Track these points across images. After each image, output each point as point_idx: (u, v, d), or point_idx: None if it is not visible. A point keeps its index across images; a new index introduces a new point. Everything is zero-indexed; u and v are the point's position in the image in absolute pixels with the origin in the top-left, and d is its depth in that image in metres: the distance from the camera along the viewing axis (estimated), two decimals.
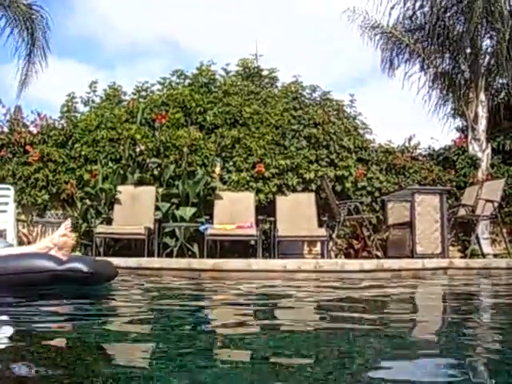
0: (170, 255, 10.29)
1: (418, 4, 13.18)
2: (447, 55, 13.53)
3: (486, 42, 13.28)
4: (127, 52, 25.02)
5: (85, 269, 4.74)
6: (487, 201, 10.60)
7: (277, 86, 12.98)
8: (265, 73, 13.07)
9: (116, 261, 6.51)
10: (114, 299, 4.99)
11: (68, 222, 5.26)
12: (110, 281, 5.31)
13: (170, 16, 22.86)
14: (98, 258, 5.39)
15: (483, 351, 2.54)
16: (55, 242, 5.03)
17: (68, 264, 4.72)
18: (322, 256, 10.40)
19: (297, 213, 10.78)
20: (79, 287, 4.85)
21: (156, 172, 11.22)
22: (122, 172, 11.16)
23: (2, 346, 2.60)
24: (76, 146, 11.56)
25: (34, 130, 12.11)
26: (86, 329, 3.17)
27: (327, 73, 21.96)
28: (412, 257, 9.81)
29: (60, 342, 2.73)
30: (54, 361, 2.25)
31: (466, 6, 12.39)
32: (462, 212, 11.28)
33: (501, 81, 13.66)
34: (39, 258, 4.81)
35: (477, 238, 11.42)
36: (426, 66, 13.53)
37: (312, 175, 11.37)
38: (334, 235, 10.99)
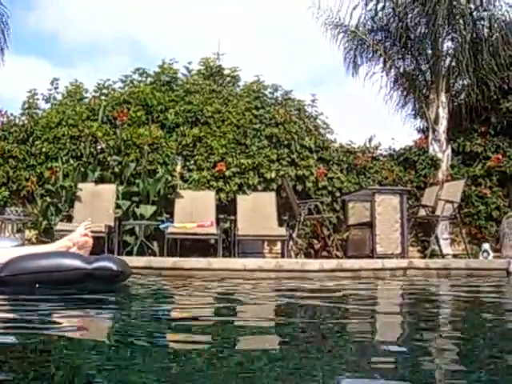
0: (129, 253, 10.24)
1: (380, 5, 13.28)
2: (409, 56, 13.64)
3: (447, 44, 13.44)
4: (87, 49, 24.86)
5: (115, 267, 4.79)
6: (447, 201, 10.69)
7: (238, 85, 13.00)
8: (226, 72, 13.08)
9: None
10: None
11: (88, 222, 5.29)
12: (127, 279, 5.33)
13: (130, 13, 22.73)
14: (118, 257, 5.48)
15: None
16: (75, 241, 5.09)
17: (98, 263, 4.74)
18: (283, 255, 10.42)
19: (257, 212, 10.79)
20: (105, 286, 4.88)
21: (117, 170, 11.17)
22: (82, 169, 11.09)
23: None
24: (37, 142, 11.46)
25: None
26: None
27: (288, 72, 22.00)
28: (372, 257, 9.87)
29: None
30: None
31: (430, 8, 12.48)
32: (422, 212, 11.38)
33: (461, 82, 13.80)
34: (68, 256, 4.85)
35: (436, 238, 11.52)
36: (387, 67, 13.61)
37: (273, 174, 11.40)
38: (294, 235, 11.01)
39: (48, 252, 5.02)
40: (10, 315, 3.69)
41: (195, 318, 3.63)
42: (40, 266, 4.69)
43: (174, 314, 3.99)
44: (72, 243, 5.10)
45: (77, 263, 4.70)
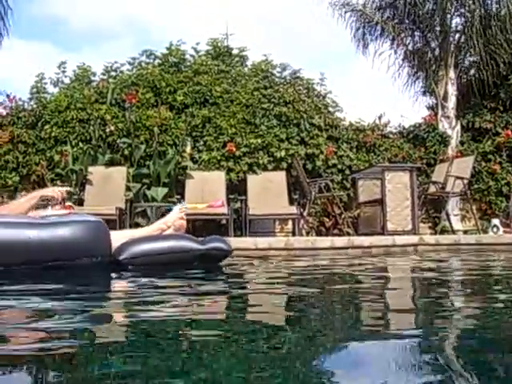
0: None
1: None
2: (417, 33, 13.59)
3: (456, 20, 13.38)
4: (92, 33, 24.82)
5: (226, 247, 5.13)
6: (457, 178, 10.70)
7: (247, 65, 12.97)
8: (234, 52, 13.04)
9: None
10: None
11: (183, 205, 5.47)
12: None
13: None
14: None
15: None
16: (169, 224, 5.31)
17: (211, 243, 5.05)
18: (294, 234, 10.44)
19: (268, 191, 10.79)
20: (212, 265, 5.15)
21: (126, 152, 11.17)
22: (92, 153, 11.10)
23: None
24: (46, 127, 11.45)
25: (3, 112, 12.01)
26: None
27: (296, 52, 21.94)
28: (383, 234, 9.90)
29: None
30: None
31: None
32: (432, 189, 11.39)
33: (470, 58, 13.77)
34: (183, 238, 5.15)
35: (447, 214, 11.53)
36: (396, 44, 13.56)
37: (283, 154, 11.36)
38: (305, 213, 11.02)
39: (164, 235, 5.25)
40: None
41: None
42: (158, 248, 4.94)
43: None
44: (166, 226, 5.31)
45: (192, 245, 4.98)
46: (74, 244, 4.56)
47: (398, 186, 10.17)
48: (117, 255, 4.75)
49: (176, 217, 5.36)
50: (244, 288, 4.06)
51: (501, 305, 2.90)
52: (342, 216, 11.11)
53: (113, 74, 12.59)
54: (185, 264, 4.90)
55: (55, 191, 5.24)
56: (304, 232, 10.97)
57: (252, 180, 11.05)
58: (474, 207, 11.74)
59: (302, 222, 10.84)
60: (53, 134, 11.33)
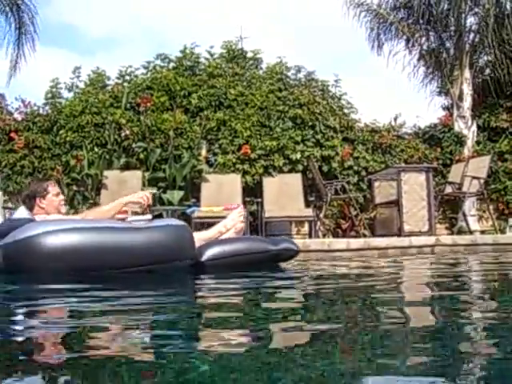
0: None
1: None
2: (432, 33, 13.52)
3: (471, 20, 13.29)
4: (107, 38, 24.91)
5: (295, 248, 5.48)
6: (473, 178, 10.63)
7: (261, 68, 12.96)
8: (249, 54, 13.03)
9: None
10: None
11: (241, 210, 5.82)
12: None
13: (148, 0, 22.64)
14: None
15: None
16: (229, 227, 5.58)
17: (282, 244, 5.39)
18: (310, 236, 10.42)
19: (284, 194, 10.78)
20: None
21: (142, 156, 11.18)
22: (107, 157, 11.12)
23: None
24: (61, 131, 11.47)
25: (19, 117, 12.06)
26: None
27: (310, 53, 21.92)
28: (399, 235, 9.85)
29: None
30: None
31: None
32: (448, 189, 11.32)
33: (485, 58, 13.70)
34: (258, 240, 5.60)
35: (464, 215, 11.47)
36: (410, 45, 13.50)
37: (298, 156, 11.34)
38: (321, 215, 11.00)
39: (238, 237, 5.58)
40: None
41: None
42: (237, 249, 5.19)
43: None
44: (226, 229, 5.57)
45: (267, 246, 5.28)
46: (169, 247, 4.75)
47: (414, 187, 10.12)
48: (198, 257, 4.95)
49: (237, 220, 5.62)
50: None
51: None
52: (359, 218, 11.07)
53: (127, 78, 12.62)
54: (260, 264, 5.11)
55: (142, 197, 5.25)
56: (320, 234, 10.94)
57: (268, 183, 11.04)
58: (491, 207, 11.67)
59: (318, 224, 10.82)
60: (68, 139, 11.36)
